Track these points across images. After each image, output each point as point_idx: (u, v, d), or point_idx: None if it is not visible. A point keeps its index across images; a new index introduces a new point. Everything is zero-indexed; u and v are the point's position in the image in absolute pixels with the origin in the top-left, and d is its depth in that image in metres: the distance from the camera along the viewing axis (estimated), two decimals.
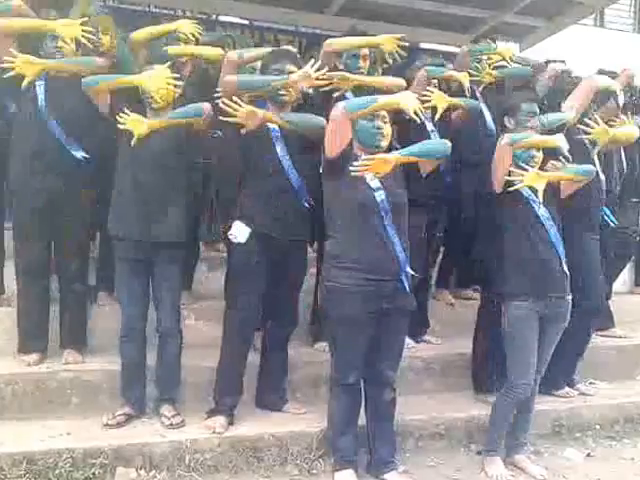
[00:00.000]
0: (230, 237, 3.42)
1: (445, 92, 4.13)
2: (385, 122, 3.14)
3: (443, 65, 4.27)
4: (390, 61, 4.06)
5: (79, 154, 3.62)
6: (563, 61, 5.20)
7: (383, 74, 4.21)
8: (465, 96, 4.18)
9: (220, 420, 3.40)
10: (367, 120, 3.11)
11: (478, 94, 4.53)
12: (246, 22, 6.86)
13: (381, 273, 3.07)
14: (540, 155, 3.44)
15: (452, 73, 4.19)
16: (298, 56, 3.67)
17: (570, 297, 3.47)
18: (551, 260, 3.40)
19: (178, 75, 3.46)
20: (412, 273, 3.15)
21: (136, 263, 3.44)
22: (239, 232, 3.39)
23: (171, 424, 3.40)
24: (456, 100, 4.08)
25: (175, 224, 3.45)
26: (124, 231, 3.41)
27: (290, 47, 3.81)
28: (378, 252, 3.07)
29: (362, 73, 3.95)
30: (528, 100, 3.89)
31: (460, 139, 4.15)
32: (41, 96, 3.58)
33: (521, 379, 3.35)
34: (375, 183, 3.08)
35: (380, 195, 3.08)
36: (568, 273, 3.44)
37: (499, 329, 3.47)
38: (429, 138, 3.91)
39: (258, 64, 3.84)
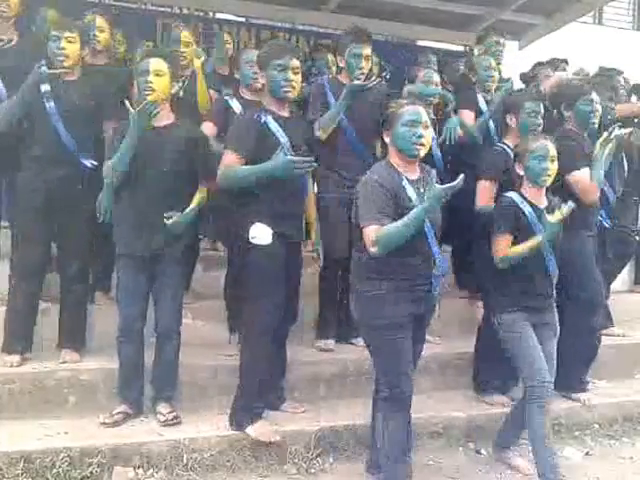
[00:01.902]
0: (252, 240, 3.27)
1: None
2: (427, 127, 2.97)
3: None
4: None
5: (88, 162, 3.64)
6: (565, 60, 5.20)
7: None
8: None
9: (267, 425, 3.39)
10: (407, 127, 2.94)
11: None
12: (243, 19, 6.85)
13: (420, 278, 2.96)
14: (554, 167, 3.35)
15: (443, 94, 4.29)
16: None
17: (555, 307, 3.43)
18: (541, 283, 3.35)
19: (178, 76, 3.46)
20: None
21: (137, 264, 3.40)
22: (262, 234, 3.27)
23: (166, 420, 3.39)
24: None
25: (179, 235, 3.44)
26: (129, 248, 3.39)
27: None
28: (418, 259, 2.94)
29: (363, 73, 3.94)
30: (532, 99, 3.83)
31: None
32: (50, 104, 3.57)
33: (536, 378, 3.24)
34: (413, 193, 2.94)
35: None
36: (555, 293, 3.42)
37: None
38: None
39: (252, 56, 3.79)
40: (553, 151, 3.36)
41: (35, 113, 3.61)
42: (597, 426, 4.06)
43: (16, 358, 3.61)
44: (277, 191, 3.27)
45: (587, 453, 3.82)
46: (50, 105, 3.58)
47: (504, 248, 3.32)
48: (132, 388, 3.48)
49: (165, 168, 3.36)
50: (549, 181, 3.36)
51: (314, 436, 3.44)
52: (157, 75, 3.35)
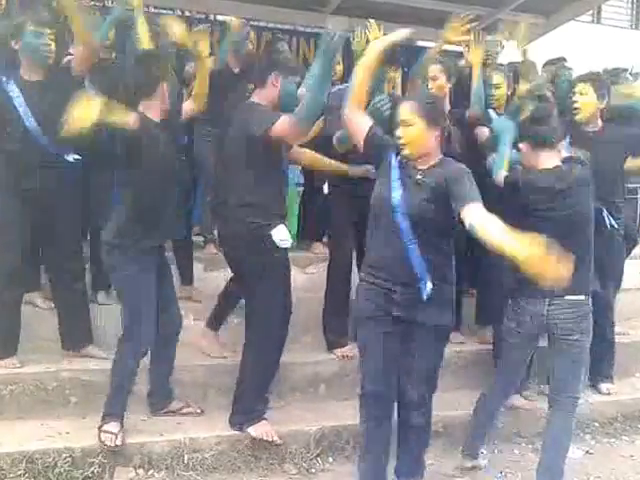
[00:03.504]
0: (280, 243, 3.21)
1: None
2: (407, 125, 2.79)
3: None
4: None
5: (70, 157, 3.58)
6: (563, 58, 5.19)
7: None
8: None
9: (267, 425, 3.37)
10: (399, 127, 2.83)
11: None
12: (243, 21, 6.86)
13: (393, 276, 2.82)
14: None
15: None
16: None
17: None
18: None
19: None
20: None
21: (152, 262, 3.26)
22: (285, 235, 3.23)
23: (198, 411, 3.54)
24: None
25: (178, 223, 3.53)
26: (148, 243, 3.22)
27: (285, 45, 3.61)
28: (392, 253, 2.82)
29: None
30: None
31: None
32: (18, 100, 3.44)
33: (582, 392, 3.28)
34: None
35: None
36: None
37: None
38: None
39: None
40: None
41: (6, 114, 3.46)
42: (597, 425, 4.08)
43: (14, 360, 3.56)
44: (280, 189, 3.30)
45: (587, 452, 3.84)
46: (21, 105, 3.44)
47: None
48: (126, 400, 3.30)
49: (171, 159, 3.27)
50: None
51: (314, 436, 3.46)
52: None
